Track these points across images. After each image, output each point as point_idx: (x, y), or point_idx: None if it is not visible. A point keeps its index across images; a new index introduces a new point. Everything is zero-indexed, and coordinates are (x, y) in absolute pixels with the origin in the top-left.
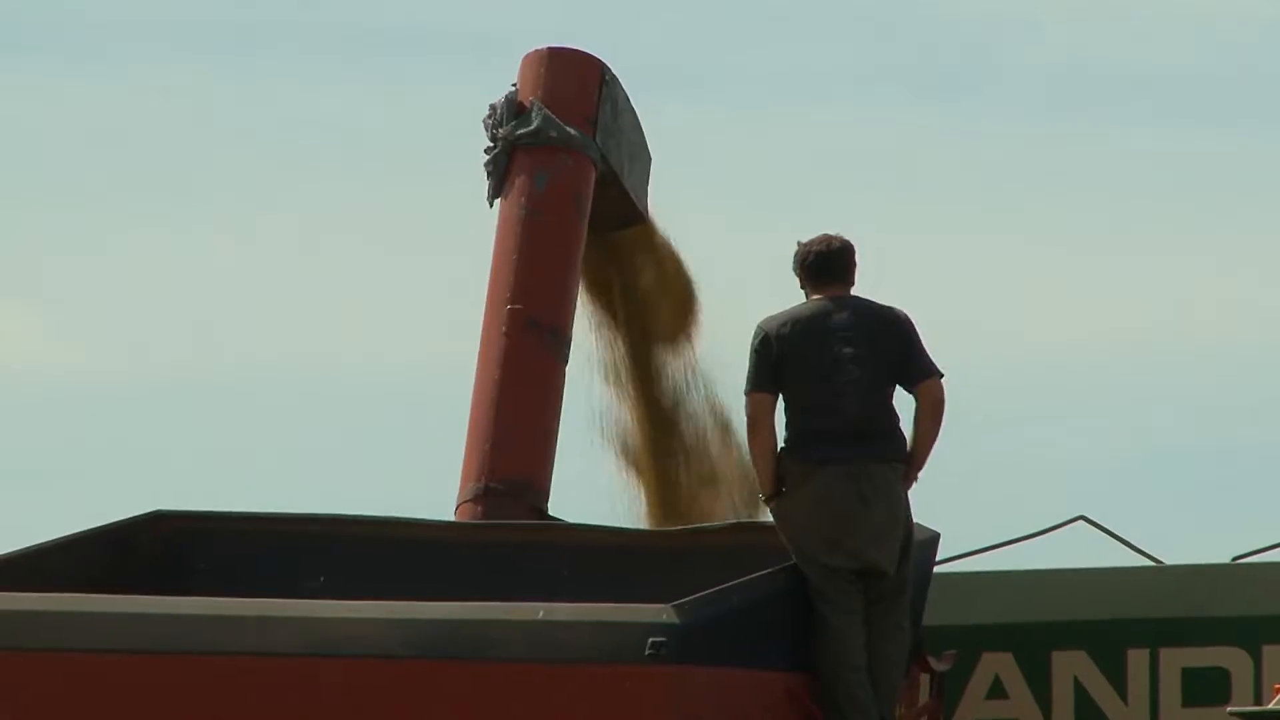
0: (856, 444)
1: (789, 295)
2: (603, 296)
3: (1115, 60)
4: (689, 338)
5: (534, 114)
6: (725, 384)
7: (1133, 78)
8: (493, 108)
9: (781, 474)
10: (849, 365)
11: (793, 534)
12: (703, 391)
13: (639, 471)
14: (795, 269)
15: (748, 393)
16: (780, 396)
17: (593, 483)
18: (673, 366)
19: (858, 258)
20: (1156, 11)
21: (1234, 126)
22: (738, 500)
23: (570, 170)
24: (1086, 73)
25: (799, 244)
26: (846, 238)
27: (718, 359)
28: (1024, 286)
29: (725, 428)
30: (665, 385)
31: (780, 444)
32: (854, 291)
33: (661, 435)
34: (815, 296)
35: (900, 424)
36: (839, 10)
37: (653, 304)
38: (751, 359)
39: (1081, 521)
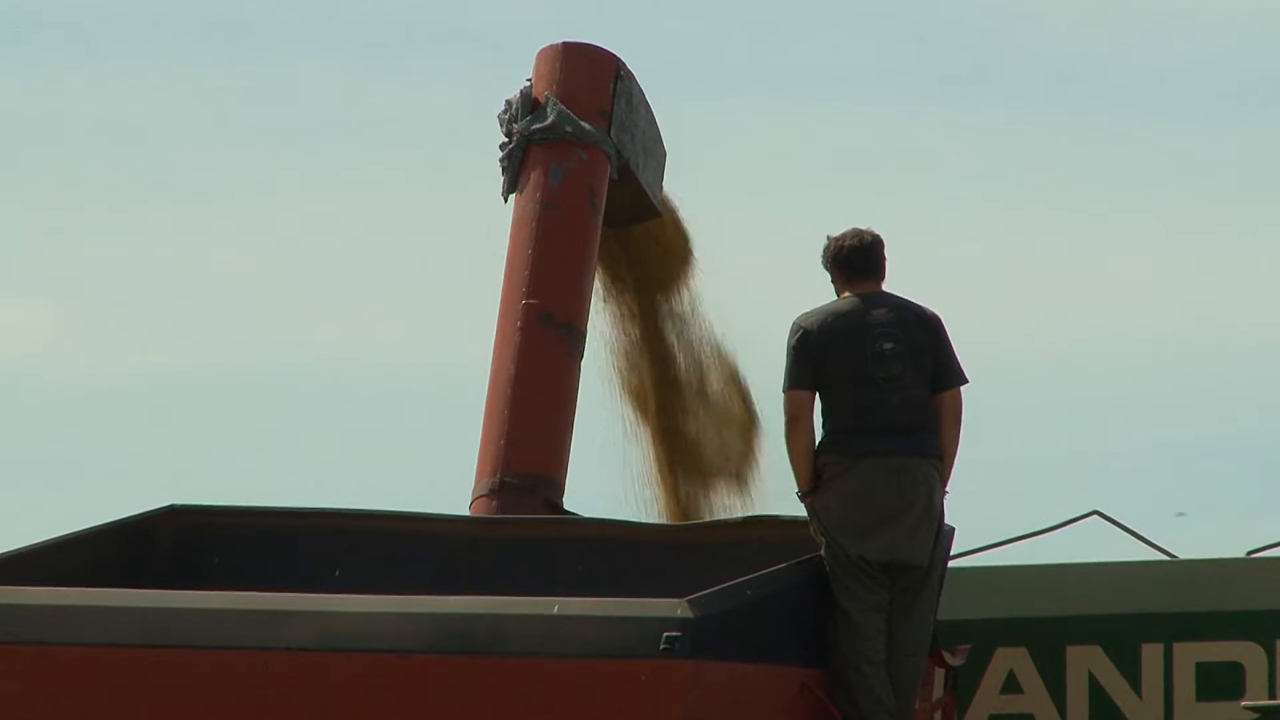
0: (897, 438)
1: (800, 287)
2: (618, 291)
3: (1119, 58)
4: (690, 303)
5: (549, 109)
6: (734, 375)
7: (1135, 76)
8: (508, 103)
9: (818, 469)
10: (890, 361)
11: (826, 527)
12: (718, 381)
13: (656, 469)
14: (825, 263)
15: (786, 390)
16: (817, 392)
17: (608, 477)
18: (687, 356)
19: (887, 251)
20: (1163, 9)
21: (1243, 123)
22: (750, 485)
23: (585, 165)
24: (1094, 68)
25: (829, 238)
26: (876, 231)
27: (724, 355)
28: (1036, 282)
29: (746, 414)
30: (680, 376)
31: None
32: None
33: (678, 428)
34: (847, 293)
35: (936, 422)
36: (847, 8)
37: (664, 292)
38: (789, 355)
39: (1095, 516)
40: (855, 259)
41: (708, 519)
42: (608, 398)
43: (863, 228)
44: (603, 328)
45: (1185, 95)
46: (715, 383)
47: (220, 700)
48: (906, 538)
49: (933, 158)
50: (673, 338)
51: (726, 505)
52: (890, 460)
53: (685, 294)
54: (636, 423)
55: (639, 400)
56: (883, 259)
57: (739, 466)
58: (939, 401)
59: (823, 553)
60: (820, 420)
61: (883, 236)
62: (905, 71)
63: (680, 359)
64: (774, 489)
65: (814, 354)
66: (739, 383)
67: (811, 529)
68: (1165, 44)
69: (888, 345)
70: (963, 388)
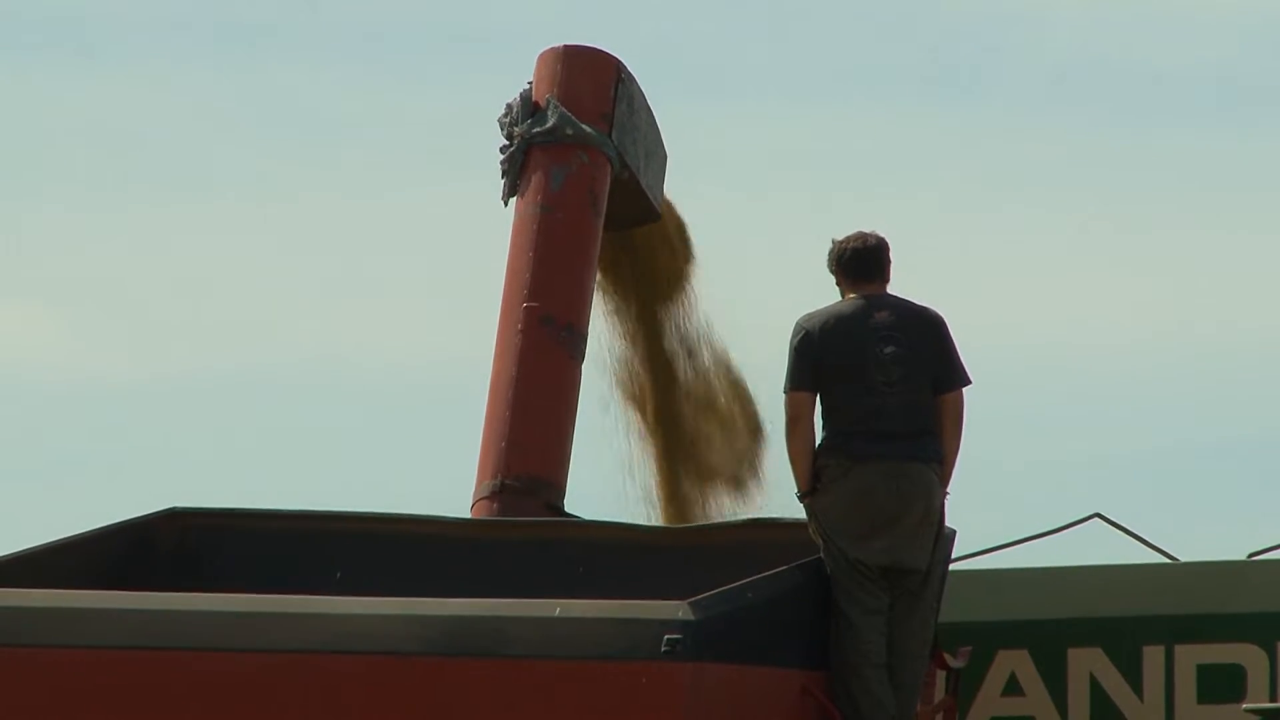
0: (897, 442)
1: (801, 289)
2: (618, 294)
3: (1119, 58)
4: (690, 305)
5: (550, 112)
6: (734, 378)
7: (1134, 76)
8: (508, 106)
9: (817, 470)
10: (891, 365)
11: (826, 530)
12: (719, 382)
13: (656, 470)
14: (830, 266)
15: (787, 391)
16: (818, 394)
17: (608, 479)
18: (686, 356)
19: (892, 254)
20: (1162, 11)
21: (1243, 124)
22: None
23: (586, 168)
24: (1092, 70)
25: (834, 241)
26: (881, 234)
27: (723, 357)
28: (1035, 282)
29: (748, 417)
30: (680, 376)
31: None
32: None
33: (679, 430)
34: (851, 295)
35: (937, 424)
36: (847, 9)
37: (665, 294)
38: (791, 357)
39: (1097, 519)
40: (859, 262)
41: (708, 521)
42: (609, 399)
43: (867, 231)
44: (603, 330)
45: (1185, 96)
46: (716, 383)
47: (221, 702)
48: (905, 542)
49: (933, 159)
50: (673, 340)
51: (725, 509)
52: (890, 464)
53: (686, 296)
54: (635, 424)
55: (639, 402)
56: (887, 262)
57: (739, 469)
58: (941, 403)
59: (822, 555)
60: (821, 422)
61: (887, 240)
62: (906, 73)
63: (679, 360)
64: (776, 496)
65: (815, 355)
66: (739, 385)
67: (810, 531)
68: (1166, 46)
69: (889, 349)
70: (965, 388)
